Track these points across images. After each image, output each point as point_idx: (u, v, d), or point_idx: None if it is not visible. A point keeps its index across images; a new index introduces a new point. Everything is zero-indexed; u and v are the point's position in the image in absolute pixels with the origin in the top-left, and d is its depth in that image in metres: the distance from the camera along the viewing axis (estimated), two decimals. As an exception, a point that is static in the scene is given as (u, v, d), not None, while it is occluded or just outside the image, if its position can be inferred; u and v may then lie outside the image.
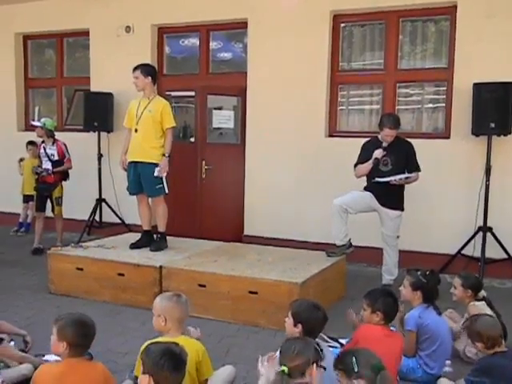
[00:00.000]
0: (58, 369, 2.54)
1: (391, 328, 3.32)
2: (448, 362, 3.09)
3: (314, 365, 2.28)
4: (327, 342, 3.66)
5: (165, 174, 5.22)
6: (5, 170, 8.15)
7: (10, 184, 7.92)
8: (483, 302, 3.66)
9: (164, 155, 5.22)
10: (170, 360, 2.19)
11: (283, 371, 2.25)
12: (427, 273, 3.50)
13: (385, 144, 5.01)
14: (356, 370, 2.18)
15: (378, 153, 5.01)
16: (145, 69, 5.28)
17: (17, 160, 7.82)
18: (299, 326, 2.81)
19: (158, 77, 5.46)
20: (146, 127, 5.18)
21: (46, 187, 6.63)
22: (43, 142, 6.70)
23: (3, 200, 8.20)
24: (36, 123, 6.80)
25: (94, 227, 7.44)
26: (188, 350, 2.58)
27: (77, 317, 2.59)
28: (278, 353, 2.74)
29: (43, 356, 3.34)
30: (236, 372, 3.14)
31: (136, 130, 5.24)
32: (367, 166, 5.05)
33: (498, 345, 2.89)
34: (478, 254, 5.62)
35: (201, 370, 2.77)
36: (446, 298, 3.86)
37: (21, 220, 7.91)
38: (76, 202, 7.39)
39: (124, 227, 7.17)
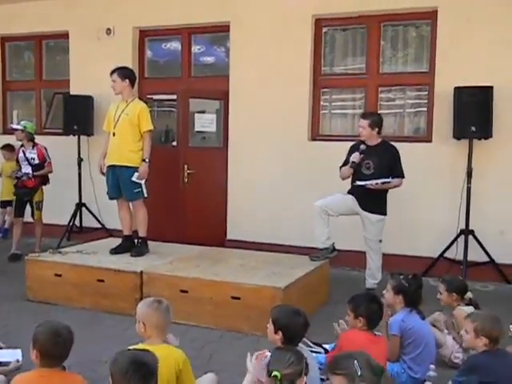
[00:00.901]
0: (30, 378, 2.45)
1: (376, 333, 3.30)
2: (432, 366, 3.08)
3: (305, 377, 2.28)
4: (311, 347, 3.63)
5: (143, 180, 5.15)
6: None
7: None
8: (470, 307, 3.65)
9: (144, 160, 5.15)
10: (137, 371, 2.07)
11: (276, 376, 2.21)
12: (409, 277, 3.48)
13: (363, 147, 5.02)
14: (359, 373, 2.09)
15: (354, 156, 5.02)
16: (122, 72, 5.21)
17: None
18: (279, 332, 2.77)
19: (135, 79, 5.39)
20: (124, 130, 5.12)
21: (27, 192, 6.50)
22: (22, 145, 6.56)
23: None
24: (16, 126, 6.65)
25: (75, 232, 7.32)
26: (167, 359, 2.55)
27: (50, 325, 2.49)
28: (267, 352, 2.74)
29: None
30: (218, 380, 3.08)
31: (114, 134, 5.17)
32: (347, 169, 5.06)
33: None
34: (460, 257, 5.64)
35: (182, 379, 2.69)
36: (430, 302, 3.84)
37: (-3, 226, 7.75)
38: (56, 206, 7.26)
39: (105, 232, 7.06)
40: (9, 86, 8.37)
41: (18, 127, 6.56)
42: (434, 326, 3.75)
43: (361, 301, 3.13)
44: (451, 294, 3.75)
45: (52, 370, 2.43)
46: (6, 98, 8.41)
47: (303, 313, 2.83)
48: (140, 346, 2.69)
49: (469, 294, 3.79)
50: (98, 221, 7.29)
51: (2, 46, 8.31)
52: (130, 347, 2.59)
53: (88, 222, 7.39)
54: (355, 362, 2.11)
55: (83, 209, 7.36)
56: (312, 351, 3.55)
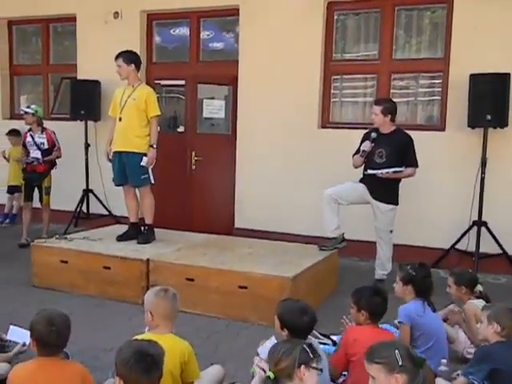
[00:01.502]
0: (29, 368, 2.40)
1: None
2: (444, 360, 2.99)
3: (303, 367, 2.15)
4: (319, 338, 3.56)
5: (151, 166, 5.07)
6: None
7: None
8: (481, 300, 3.56)
9: (152, 146, 5.06)
10: (140, 362, 2.02)
11: (269, 377, 2.13)
12: (416, 266, 3.38)
13: (374, 135, 4.90)
14: (400, 363, 2.03)
15: (364, 145, 4.92)
16: (127, 56, 5.11)
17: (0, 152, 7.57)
18: (285, 330, 2.70)
19: (141, 64, 5.31)
20: (130, 116, 5.03)
21: (37, 177, 6.43)
22: (30, 130, 6.48)
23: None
24: (27, 109, 6.50)
25: (82, 219, 7.27)
26: (173, 349, 2.49)
27: (44, 314, 2.43)
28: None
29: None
30: (225, 371, 3.02)
31: (120, 119, 5.09)
32: (358, 158, 4.96)
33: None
34: (472, 248, 5.53)
35: (186, 372, 2.64)
36: (440, 294, 3.75)
37: (6, 211, 7.72)
38: (63, 192, 7.21)
39: (112, 219, 7.00)
40: (16, 70, 8.29)
41: (29, 110, 6.45)
42: (445, 320, 3.65)
43: (363, 294, 3.04)
44: (460, 287, 3.66)
45: (50, 359, 2.38)
46: (14, 83, 8.34)
47: (310, 310, 2.72)
48: (147, 335, 2.66)
49: (479, 287, 3.69)
50: (105, 207, 7.23)
51: (10, 30, 8.22)
52: (138, 336, 2.56)
53: (95, 208, 7.34)
54: (396, 351, 2.05)
55: (90, 195, 7.30)
56: (320, 343, 3.50)
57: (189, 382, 2.65)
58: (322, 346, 3.40)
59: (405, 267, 3.38)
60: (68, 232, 6.41)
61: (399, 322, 3.24)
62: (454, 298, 3.75)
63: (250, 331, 3.98)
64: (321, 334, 3.62)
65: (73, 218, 7.11)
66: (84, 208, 7.31)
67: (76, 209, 7.15)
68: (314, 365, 2.20)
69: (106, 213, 7.22)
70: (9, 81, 8.28)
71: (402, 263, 3.52)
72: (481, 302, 3.50)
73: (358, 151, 5.03)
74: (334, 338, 3.64)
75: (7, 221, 7.68)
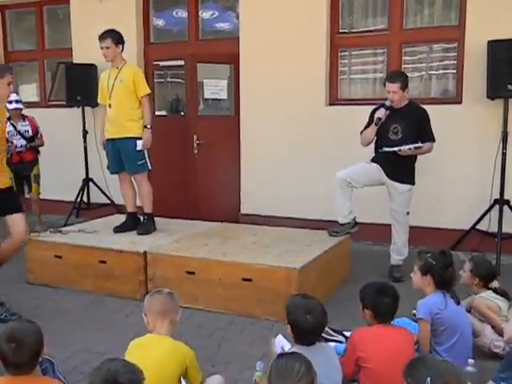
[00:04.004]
0: None
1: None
2: (471, 360, 2.66)
3: None
4: (331, 335, 3.27)
5: (147, 148, 4.77)
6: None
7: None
8: (490, 292, 3.26)
9: (146, 127, 4.75)
10: None
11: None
12: (437, 254, 3.04)
13: (388, 103, 4.51)
14: None
15: (380, 112, 4.52)
16: (116, 36, 4.74)
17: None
18: (289, 326, 2.46)
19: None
20: (120, 99, 4.72)
21: (26, 166, 6.13)
22: (9, 118, 6.11)
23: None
24: (19, 105, 6.07)
25: (83, 209, 7.02)
26: (175, 353, 2.40)
27: (8, 328, 2.13)
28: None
29: None
30: (226, 376, 2.75)
31: (110, 105, 4.78)
32: (371, 130, 4.57)
33: None
34: (494, 229, 5.15)
35: (187, 378, 2.45)
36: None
37: None
38: (62, 182, 6.97)
39: (114, 208, 6.73)
40: (11, 57, 7.99)
41: (21, 106, 6.11)
42: (469, 311, 3.32)
43: (368, 291, 2.74)
44: (474, 277, 3.36)
45: (21, 378, 2.08)
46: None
47: (317, 310, 2.42)
48: (148, 336, 2.52)
49: (495, 283, 3.36)
50: (107, 196, 6.96)
51: (3, 15, 7.91)
52: (137, 339, 2.50)
53: (96, 197, 7.07)
54: (428, 379, 1.80)
55: (91, 184, 7.03)
56: (333, 340, 3.21)
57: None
58: (333, 343, 3.12)
59: (424, 255, 3.04)
60: (69, 223, 6.14)
61: (418, 319, 2.92)
62: (462, 282, 3.41)
63: (256, 327, 3.68)
64: (332, 330, 3.31)
65: (73, 208, 6.85)
66: (85, 198, 7.05)
67: (76, 199, 6.89)
68: None
69: (108, 202, 6.95)
70: (4, 68, 7.98)
71: (421, 250, 3.19)
72: (490, 294, 3.22)
73: (367, 126, 4.66)
74: (347, 333, 3.32)
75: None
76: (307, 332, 2.38)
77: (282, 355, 2.04)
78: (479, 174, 5.34)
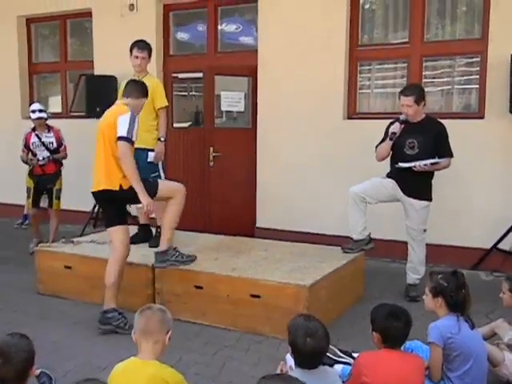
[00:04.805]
0: None
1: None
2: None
3: None
4: (339, 356, 3.14)
5: (160, 161, 4.74)
6: (9, 160, 7.78)
7: (14, 174, 7.55)
8: None
9: (160, 139, 4.73)
10: None
11: None
12: (449, 275, 2.88)
13: (403, 117, 4.39)
14: None
15: (394, 127, 4.40)
16: (150, 49, 4.91)
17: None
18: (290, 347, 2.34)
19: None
20: None
21: (50, 178, 6.09)
22: (34, 129, 6.07)
23: (7, 191, 7.86)
24: (43, 114, 6.01)
25: (100, 219, 7.02)
26: (154, 378, 2.22)
27: None
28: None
29: None
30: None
31: None
32: (386, 145, 4.45)
33: None
34: (516, 248, 4.98)
35: None
36: (483, 300, 3.25)
37: (25, 212, 7.54)
38: (80, 192, 6.94)
39: (131, 219, 6.70)
40: (35, 68, 8.13)
41: (44, 115, 6.05)
42: (489, 338, 3.14)
43: (378, 313, 2.61)
44: None
45: None
46: (33, 81, 8.18)
47: (318, 334, 2.28)
48: (131, 360, 2.33)
49: None
50: (123, 207, 6.95)
51: (28, 28, 8.07)
52: (121, 363, 2.33)
53: (113, 208, 7.07)
54: None
55: (108, 195, 7.03)
56: (340, 362, 3.08)
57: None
58: (341, 365, 3.00)
59: (435, 276, 2.88)
60: (85, 233, 6.15)
61: (429, 342, 2.77)
62: (505, 305, 3.22)
63: (263, 346, 3.58)
64: (340, 351, 3.18)
65: (90, 218, 6.87)
66: (102, 208, 7.07)
67: (93, 209, 6.91)
68: None
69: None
70: (27, 79, 8.12)
71: (433, 271, 3.04)
72: None
73: (382, 140, 4.54)
74: (356, 355, 3.19)
75: (27, 222, 7.50)
76: (305, 356, 2.27)
77: (263, 378, 1.92)
78: (501, 190, 5.17)
